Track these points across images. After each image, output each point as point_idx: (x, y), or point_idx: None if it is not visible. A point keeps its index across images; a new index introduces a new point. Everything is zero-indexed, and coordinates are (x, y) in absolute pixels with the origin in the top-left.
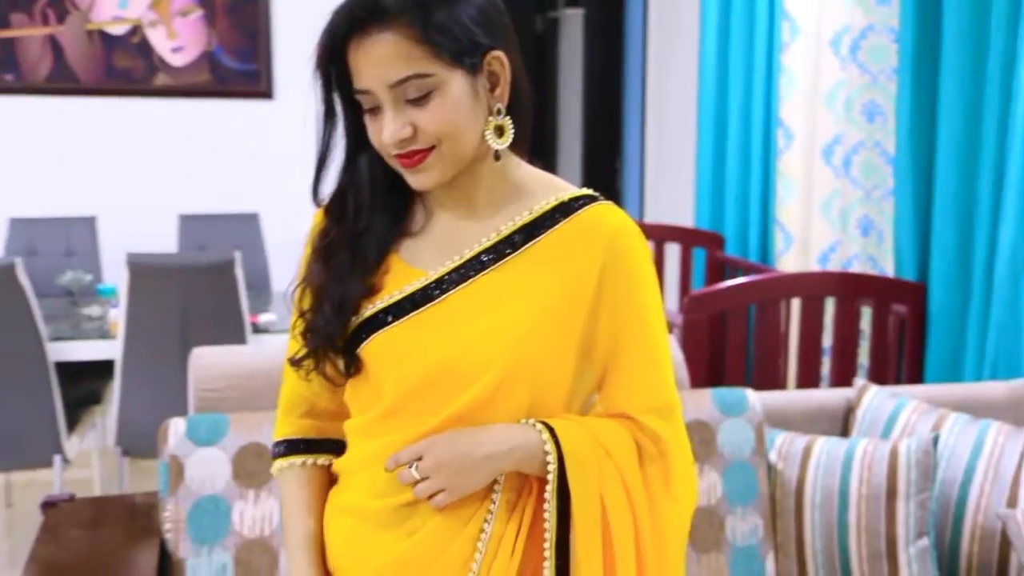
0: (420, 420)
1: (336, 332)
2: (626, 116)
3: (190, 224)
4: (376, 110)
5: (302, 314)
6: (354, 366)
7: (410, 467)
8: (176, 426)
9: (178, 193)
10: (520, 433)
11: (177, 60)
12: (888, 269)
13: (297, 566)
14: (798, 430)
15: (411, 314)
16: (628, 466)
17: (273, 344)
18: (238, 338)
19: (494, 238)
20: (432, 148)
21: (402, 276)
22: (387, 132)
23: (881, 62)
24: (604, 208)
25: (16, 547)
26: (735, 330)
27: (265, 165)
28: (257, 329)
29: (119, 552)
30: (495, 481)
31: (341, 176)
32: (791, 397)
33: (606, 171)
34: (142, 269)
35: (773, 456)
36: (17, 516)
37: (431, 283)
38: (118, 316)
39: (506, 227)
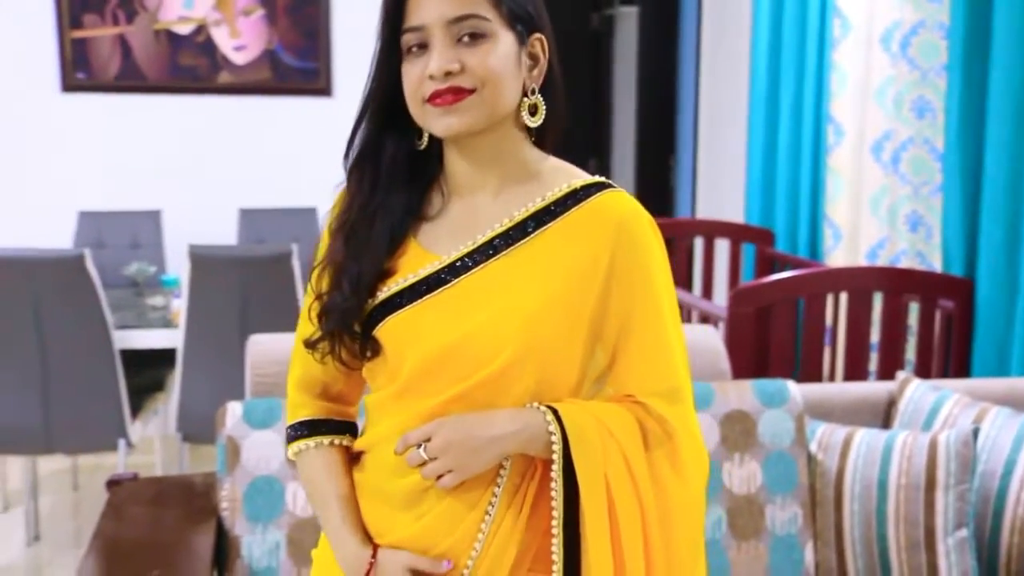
0: (432, 400)
1: (353, 311)
2: (680, 113)
3: (250, 218)
4: (421, 49)
5: (319, 296)
6: (371, 349)
7: (418, 448)
8: (233, 409)
9: (239, 187)
10: (525, 416)
11: (239, 58)
12: (936, 265)
13: (343, 544)
14: (840, 422)
15: (425, 297)
16: (631, 447)
17: None
18: (294, 327)
19: (507, 224)
20: (474, 90)
21: (417, 260)
22: (436, 63)
23: (931, 58)
24: (615, 195)
25: (82, 528)
26: (781, 324)
27: (323, 160)
28: None
29: (179, 529)
30: (501, 466)
31: (364, 146)
32: (833, 389)
33: (659, 168)
34: (203, 261)
35: (813, 447)
36: (83, 499)
37: (444, 267)
38: (180, 306)
39: (519, 213)
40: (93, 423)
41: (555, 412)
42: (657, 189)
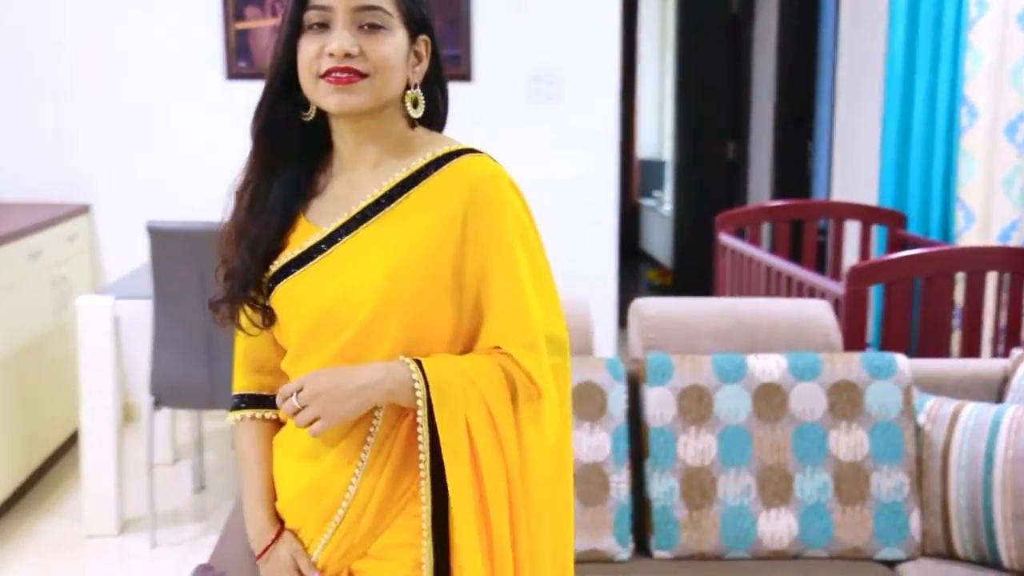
0: (316, 358)
1: (252, 279)
2: (818, 97)
3: None
4: (322, 28)
5: (224, 260)
6: (268, 317)
7: (292, 398)
8: None
9: None
10: (391, 367)
11: None
12: None
13: (254, 518)
14: (952, 397)
15: (306, 266)
16: (494, 395)
17: None
18: None
19: (376, 194)
20: (367, 75)
21: (303, 233)
22: (338, 43)
23: None
24: (473, 159)
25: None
26: (897, 303)
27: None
28: None
29: None
30: (374, 418)
31: (264, 114)
32: (947, 365)
33: (798, 153)
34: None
35: (922, 418)
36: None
37: (324, 238)
38: None
39: (387, 183)
40: None
41: (419, 363)
42: (795, 173)
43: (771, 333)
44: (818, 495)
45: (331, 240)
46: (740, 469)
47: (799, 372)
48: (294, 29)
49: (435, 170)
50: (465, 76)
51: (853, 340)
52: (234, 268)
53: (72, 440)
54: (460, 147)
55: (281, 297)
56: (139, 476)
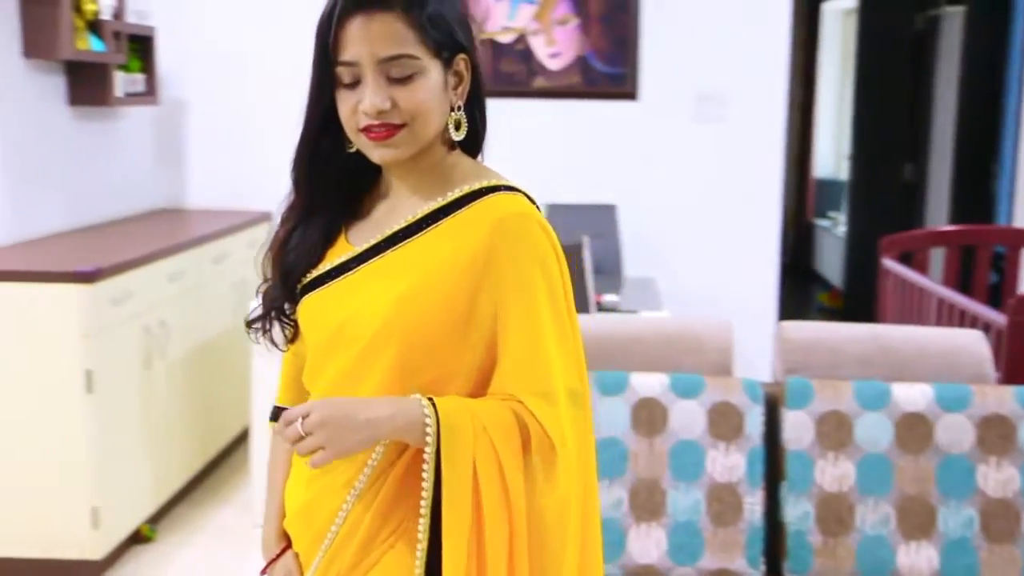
0: (325, 376)
1: (280, 299)
2: (1005, 117)
3: (555, 213)
4: (354, 85)
5: (264, 279)
6: (296, 331)
7: (297, 423)
8: None
9: (546, 184)
10: (403, 403)
11: (553, 64)
12: None
13: (266, 531)
14: None
15: (331, 282)
16: (504, 443)
17: (605, 319)
18: (580, 311)
19: (410, 219)
20: (404, 125)
21: (338, 251)
22: (368, 101)
23: None
24: (505, 197)
25: None
26: None
27: (625, 161)
28: (602, 308)
29: None
30: (375, 450)
31: (304, 162)
32: None
33: (979, 174)
34: None
35: None
36: None
37: (354, 257)
38: None
39: (421, 210)
40: None
41: (432, 402)
42: (976, 196)
43: (919, 362)
44: (963, 530)
45: (360, 260)
46: (879, 498)
47: (946, 403)
48: (323, 81)
49: (468, 203)
50: (631, 95)
51: (1014, 373)
52: (269, 289)
53: (245, 435)
54: (498, 183)
55: (304, 310)
56: None
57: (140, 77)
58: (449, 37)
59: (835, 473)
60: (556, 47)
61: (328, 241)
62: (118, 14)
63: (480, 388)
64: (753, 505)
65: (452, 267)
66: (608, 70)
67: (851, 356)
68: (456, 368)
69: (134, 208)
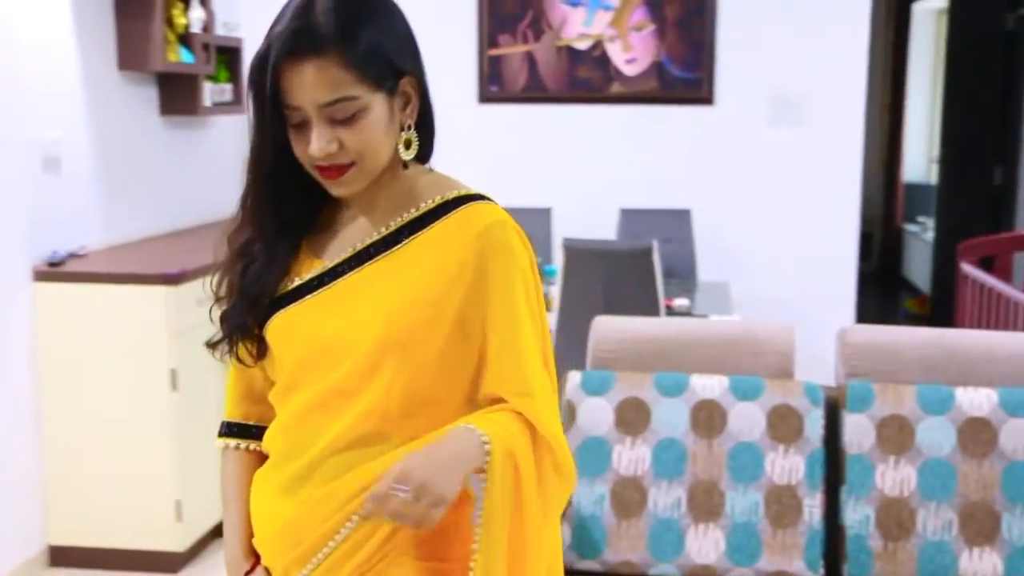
0: (309, 391)
1: (248, 321)
2: None
3: (629, 217)
4: (302, 125)
5: (217, 299)
6: (262, 348)
7: (403, 493)
8: (573, 378)
9: (622, 189)
10: (461, 432)
11: (630, 70)
12: None
13: (229, 548)
14: None
15: (305, 298)
16: (523, 449)
17: (668, 322)
18: (650, 314)
19: (383, 232)
20: (353, 163)
21: (304, 266)
22: (315, 146)
23: None
24: (483, 206)
25: None
26: None
27: (700, 166)
28: (672, 312)
29: None
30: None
31: (255, 176)
32: None
33: None
34: (574, 253)
35: None
36: None
37: (326, 272)
38: (555, 292)
39: (394, 223)
40: None
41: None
42: None
43: (984, 367)
44: None
45: (333, 275)
46: (941, 504)
47: (1012, 407)
48: (273, 124)
49: (444, 214)
50: (707, 100)
51: None
52: (231, 314)
53: None
54: (468, 192)
55: (276, 328)
56: None
57: (227, 87)
58: (388, 67)
59: (896, 477)
60: (632, 53)
61: (290, 257)
62: (207, 27)
63: (473, 392)
64: (812, 508)
65: (438, 278)
66: (684, 75)
67: (914, 360)
68: (458, 379)
69: (219, 213)
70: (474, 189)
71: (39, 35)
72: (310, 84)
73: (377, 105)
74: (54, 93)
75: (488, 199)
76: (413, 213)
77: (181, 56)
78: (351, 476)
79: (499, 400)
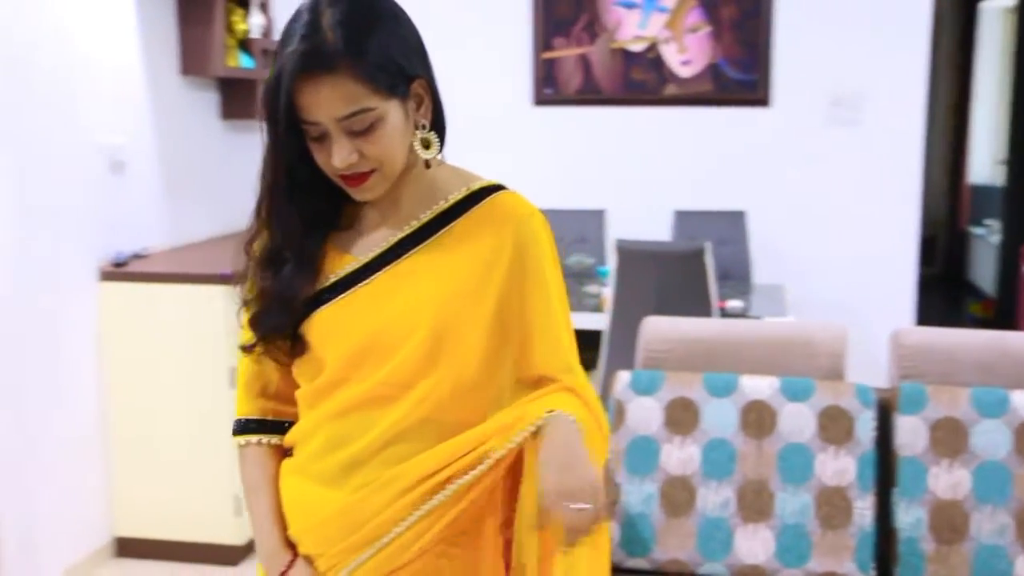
0: (359, 386)
1: (286, 322)
2: None
3: (684, 219)
4: (322, 137)
5: (246, 303)
6: (299, 345)
7: (581, 508)
8: (623, 378)
9: (676, 191)
10: (560, 426)
11: (685, 72)
12: None
13: (266, 542)
14: None
15: (344, 294)
16: (588, 420)
17: (718, 322)
18: (703, 315)
19: (415, 225)
20: (374, 170)
21: (336, 262)
22: (337, 158)
23: None
24: (511, 195)
25: None
26: None
27: (755, 167)
28: (725, 313)
29: None
30: (448, 480)
31: (271, 187)
32: None
33: None
34: (626, 254)
35: None
36: None
37: (361, 267)
38: (608, 293)
39: (424, 216)
40: None
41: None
42: None
43: None
44: None
45: (369, 269)
46: (997, 507)
47: None
48: (291, 139)
49: (473, 204)
50: (763, 101)
51: None
52: (263, 317)
53: None
54: (490, 183)
55: (318, 326)
56: None
57: None
58: (400, 74)
59: (949, 480)
60: (687, 54)
61: (320, 256)
62: (266, 32)
63: (507, 373)
64: (864, 510)
65: (480, 266)
66: (740, 76)
67: (969, 362)
68: (486, 367)
69: None
70: (492, 179)
71: (105, 44)
72: (326, 100)
73: (392, 112)
74: (119, 99)
75: (509, 188)
76: (442, 205)
77: (241, 61)
78: (413, 463)
79: (541, 378)
